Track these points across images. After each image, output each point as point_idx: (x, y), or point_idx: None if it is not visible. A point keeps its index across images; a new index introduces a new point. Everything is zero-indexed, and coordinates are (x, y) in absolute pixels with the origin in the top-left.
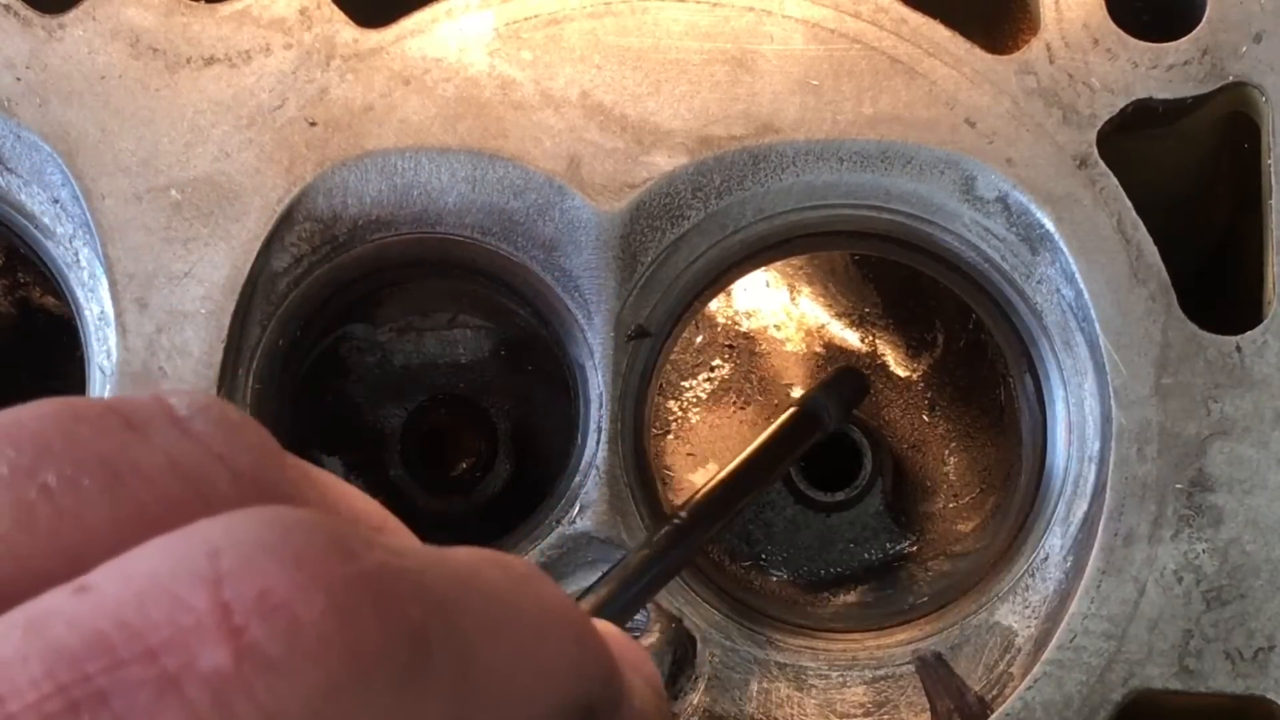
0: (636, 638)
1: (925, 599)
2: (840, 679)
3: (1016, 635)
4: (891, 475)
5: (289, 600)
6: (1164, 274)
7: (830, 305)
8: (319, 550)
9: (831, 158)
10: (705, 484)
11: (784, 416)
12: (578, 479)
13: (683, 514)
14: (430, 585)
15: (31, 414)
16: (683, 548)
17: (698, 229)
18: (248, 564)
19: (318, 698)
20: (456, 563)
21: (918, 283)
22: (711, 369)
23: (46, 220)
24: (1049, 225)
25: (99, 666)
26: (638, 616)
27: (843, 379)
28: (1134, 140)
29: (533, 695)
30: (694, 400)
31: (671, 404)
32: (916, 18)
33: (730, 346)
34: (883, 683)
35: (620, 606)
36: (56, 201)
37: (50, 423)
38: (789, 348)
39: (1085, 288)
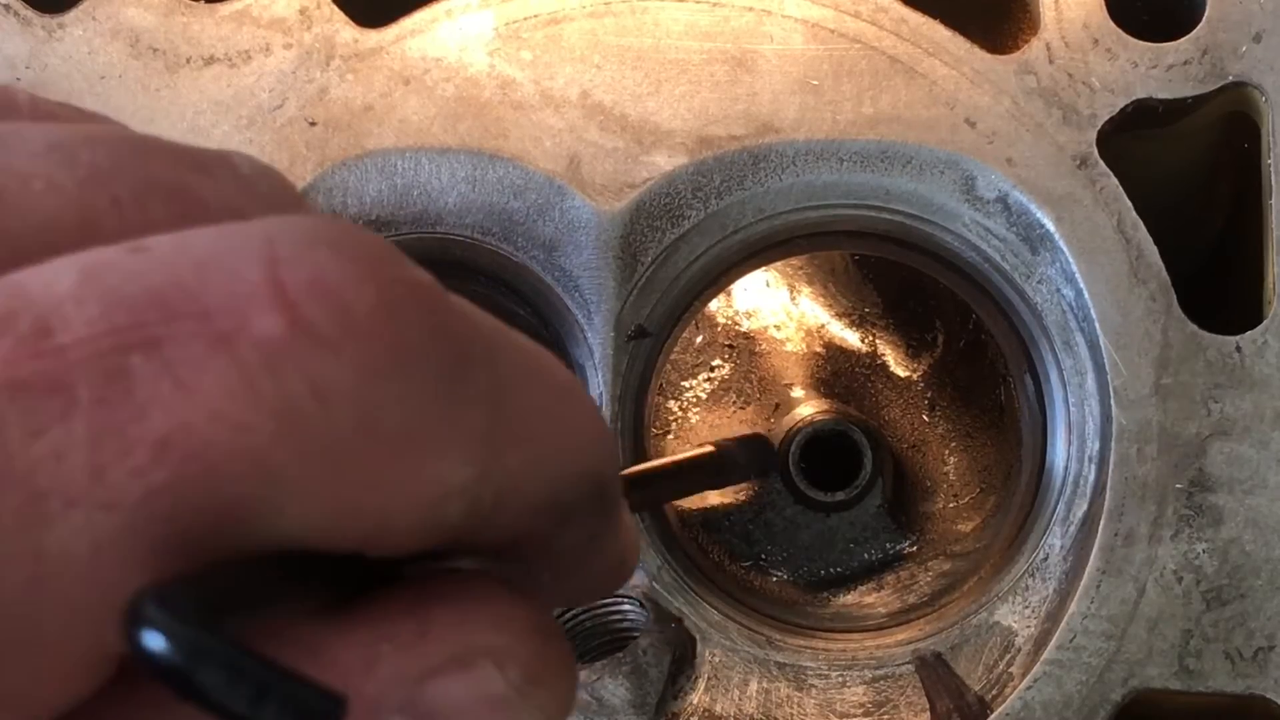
0: (635, 638)
1: (925, 599)
2: (840, 679)
3: (1016, 635)
4: (891, 475)
5: (341, 287)
6: (1164, 274)
7: (830, 305)
8: (374, 253)
9: (831, 158)
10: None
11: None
12: None
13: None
14: (472, 315)
15: (105, 132)
16: None
17: (698, 229)
18: (303, 252)
19: (363, 380)
20: (495, 319)
21: (918, 283)
22: (711, 369)
23: None
24: (1049, 225)
25: (154, 317)
26: (637, 615)
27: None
28: (1134, 140)
29: (557, 447)
30: (694, 400)
31: (671, 404)
32: (916, 18)
33: (730, 346)
34: (883, 683)
35: None
36: None
37: (125, 147)
38: (789, 348)
39: (1085, 288)
